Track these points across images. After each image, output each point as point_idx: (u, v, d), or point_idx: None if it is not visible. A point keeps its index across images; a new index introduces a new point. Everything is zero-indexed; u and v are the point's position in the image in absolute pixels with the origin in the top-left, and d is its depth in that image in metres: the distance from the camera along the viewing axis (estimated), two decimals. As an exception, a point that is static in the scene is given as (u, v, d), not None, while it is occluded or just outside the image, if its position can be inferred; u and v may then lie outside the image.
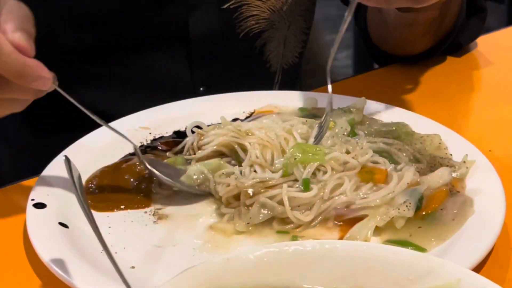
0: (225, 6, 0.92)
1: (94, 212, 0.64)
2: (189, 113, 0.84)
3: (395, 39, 0.98)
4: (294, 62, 1.04)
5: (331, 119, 0.77)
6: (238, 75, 0.91)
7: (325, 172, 0.68)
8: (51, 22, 0.89)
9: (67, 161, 0.63)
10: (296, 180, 0.66)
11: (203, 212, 0.69)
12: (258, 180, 0.67)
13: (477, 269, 0.60)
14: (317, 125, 0.76)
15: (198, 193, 0.70)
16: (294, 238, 0.66)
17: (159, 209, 0.69)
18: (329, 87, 0.78)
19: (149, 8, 0.92)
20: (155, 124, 0.81)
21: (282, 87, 1.00)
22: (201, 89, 0.93)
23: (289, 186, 0.66)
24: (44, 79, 0.61)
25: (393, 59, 1.00)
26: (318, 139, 0.73)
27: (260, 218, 0.65)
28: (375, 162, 0.71)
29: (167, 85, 0.89)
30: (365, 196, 0.66)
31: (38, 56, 0.67)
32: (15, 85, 0.60)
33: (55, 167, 0.72)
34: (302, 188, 0.65)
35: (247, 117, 0.83)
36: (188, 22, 0.92)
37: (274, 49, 1.00)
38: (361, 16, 1.01)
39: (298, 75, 1.11)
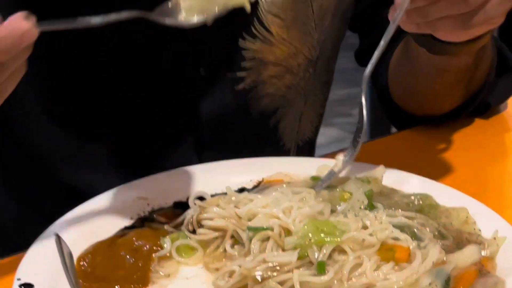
0: (239, 87, 0.91)
1: None
2: (192, 181, 0.82)
3: (423, 91, 0.95)
4: (309, 138, 1.03)
5: (347, 191, 0.75)
6: (249, 155, 0.89)
7: (341, 251, 0.65)
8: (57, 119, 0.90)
9: (58, 238, 0.64)
10: (310, 263, 0.64)
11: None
12: (270, 265, 0.65)
13: None
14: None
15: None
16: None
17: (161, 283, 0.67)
18: (363, 100, 0.75)
19: (160, 96, 0.92)
20: (154, 193, 0.79)
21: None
22: None
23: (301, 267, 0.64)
24: (29, 30, 0.62)
25: (415, 121, 0.97)
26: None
27: None
28: (396, 239, 0.67)
29: (170, 166, 0.87)
30: (386, 277, 0.63)
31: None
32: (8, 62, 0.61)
33: (44, 243, 0.69)
34: (316, 271, 0.63)
35: (254, 187, 0.81)
36: (199, 106, 0.91)
37: (288, 126, 0.98)
38: (381, 74, 0.98)
39: (312, 151, 1.10)
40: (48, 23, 0.65)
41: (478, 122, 0.98)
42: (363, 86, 0.74)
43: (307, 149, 1.04)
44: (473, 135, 0.96)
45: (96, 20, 0.66)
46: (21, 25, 0.61)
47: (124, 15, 0.66)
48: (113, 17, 0.66)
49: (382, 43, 0.73)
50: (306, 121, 1.00)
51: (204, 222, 0.72)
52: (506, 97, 0.99)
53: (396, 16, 0.70)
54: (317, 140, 1.11)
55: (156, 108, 0.92)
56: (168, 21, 0.70)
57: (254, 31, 0.88)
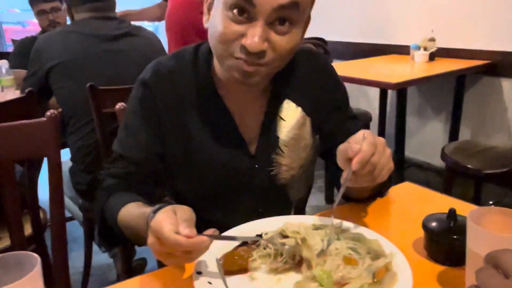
0: (271, 173, 0.98)
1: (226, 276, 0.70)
2: (258, 227, 0.82)
3: (354, 193, 0.96)
4: (301, 199, 1.05)
5: (327, 230, 0.79)
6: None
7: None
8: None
9: (217, 261, 0.72)
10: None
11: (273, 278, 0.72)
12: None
13: None
14: (327, 239, 0.76)
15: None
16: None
17: (252, 274, 0.73)
18: (332, 227, 0.79)
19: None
20: (247, 231, 0.81)
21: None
22: None
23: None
24: (205, 242, 0.64)
25: (353, 199, 0.99)
26: (328, 244, 0.75)
27: None
28: (350, 254, 0.73)
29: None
30: (349, 272, 0.69)
31: None
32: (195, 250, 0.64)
33: (205, 255, 0.71)
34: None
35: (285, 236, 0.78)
36: (254, 179, 0.96)
37: (293, 193, 1.02)
38: (334, 176, 0.96)
39: (303, 205, 1.10)
40: (216, 237, 0.67)
41: (379, 200, 1.01)
42: (339, 198, 0.79)
43: (301, 204, 1.07)
44: (379, 205, 0.99)
45: (240, 237, 0.73)
46: (202, 239, 0.64)
47: (254, 238, 0.75)
48: (247, 238, 0.75)
49: (340, 193, 0.80)
50: (300, 191, 1.04)
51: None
52: (388, 189, 1.02)
53: (344, 183, 0.75)
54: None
55: (233, 182, 0.95)
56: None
57: (277, 152, 0.97)
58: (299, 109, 0.98)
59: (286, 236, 0.76)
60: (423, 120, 3.18)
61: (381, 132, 3.23)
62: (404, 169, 2.72)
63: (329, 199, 2.91)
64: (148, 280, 0.74)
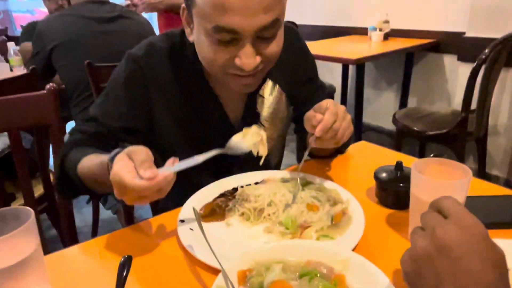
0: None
1: (202, 223, 0.69)
2: (239, 180, 0.82)
3: (318, 152, 0.96)
4: (277, 162, 1.03)
5: (295, 183, 0.79)
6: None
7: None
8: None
9: (194, 210, 0.67)
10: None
11: (246, 223, 0.71)
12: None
13: (355, 248, 0.63)
14: (292, 191, 0.75)
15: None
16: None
17: (228, 221, 0.72)
18: (299, 180, 0.79)
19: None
20: (226, 185, 0.81)
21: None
22: None
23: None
24: (169, 176, 0.57)
25: (317, 156, 0.98)
26: (294, 198, 0.74)
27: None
28: (313, 202, 0.73)
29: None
30: (311, 217, 0.69)
31: None
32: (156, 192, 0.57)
33: (188, 205, 0.74)
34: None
35: (261, 181, 0.82)
36: (233, 170, 0.89)
37: (272, 160, 0.99)
38: (302, 140, 0.95)
39: (279, 166, 1.06)
40: (179, 166, 0.59)
41: (339, 156, 1.00)
42: (305, 156, 0.78)
43: (278, 166, 1.05)
44: (338, 161, 0.98)
45: (201, 158, 0.63)
46: (164, 174, 0.56)
47: (214, 153, 0.66)
48: (209, 154, 0.65)
49: (306, 152, 0.78)
50: (277, 157, 1.02)
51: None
52: (347, 147, 1.02)
53: (310, 142, 0.74)
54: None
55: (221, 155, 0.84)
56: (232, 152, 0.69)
57: (259, 126, 0.82)
58: (277, 86, 0.92)
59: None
60: (378, 91, 3.19)
61: (343, 102, 3.24)
62: (362, 132, 2.73)
63: (300, 159, 2.87)
64: (141, 228, 0.74)
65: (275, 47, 0.72)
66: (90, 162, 0.73)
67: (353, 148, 1.05)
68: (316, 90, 0.98)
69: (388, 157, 1.00)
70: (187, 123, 0.85)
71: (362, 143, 1.11)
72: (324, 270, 0.53)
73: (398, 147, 2.15)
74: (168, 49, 0.83)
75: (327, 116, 0.72)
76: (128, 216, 1.49)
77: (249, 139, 0.71)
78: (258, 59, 0.70)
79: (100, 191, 0.77)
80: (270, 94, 0.92)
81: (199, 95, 0.84)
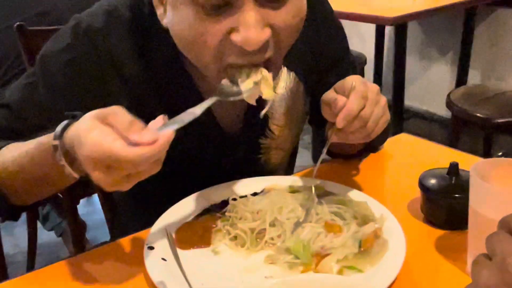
0: (258, 162, 0.93)
1: (179, 250, 0.72)
2: (230, 189, 0.85)
3: (342, 149, 0.98)
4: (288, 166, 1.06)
5: (306, 194, 0.81)
6: None
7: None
8: None
9: (166, 231, 0.72)
10: None
11: (241, 250, 0.72)
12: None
13: (391, 285, 0.64)
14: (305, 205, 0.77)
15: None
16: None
17: (216, 247, 0.73)
18: (313, 189, 0.80)
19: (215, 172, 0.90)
20: (212, 197, 0.83)
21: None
22: None
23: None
24: (170, 134, 0.56)
25: (339, 155, 1.01)
26: (308, 214, 0.75)
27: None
28: (333, 220, 0.74)
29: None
30: (331, 241, 0.70)
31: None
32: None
33: (158, 226, 0.76)
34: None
35: (261, 191, 0.85)
36: (238, 171, 0.91)
37: (280, 171, 1.01)
38: (321, 132, 0.95)
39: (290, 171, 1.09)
40: (176, 121, 0.59)
41: (372, 155, 1.03)
42: (322, 155, 0.82)
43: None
44: (369, 162, 1.01)
45: (198, 110, 0.62)
46: (167, 133, 0.56)
47: (213, 100, 0.66)
48: (206, 104, 0.64)
49: (324, 149, 0.80)
50: (286, 164, 1.04)
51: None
52: (383, 142, 1.03)
53: (329, 136, 0.76)
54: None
55: (213, 173, 0.88)
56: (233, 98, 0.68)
57: (266, 134, 0.92)
58: (292, 74, 0.92)
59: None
60: (426, 63, 3.21)
61: (377, 78, 3.24)
62: (403, 120, 2.74)
63: (317, 159, 2.92)
64: (96, 256, 0.75)
65: (289, 15, 0.68)
66: (15, 152, 0.71)
67: (389, 143, 1.06)
68: (345, 73, 0.96)
69: (440, 156, 1.01)
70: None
71: (403, 137, 1.13)
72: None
73: (454, 141, 2.16)
74: (132, 20, 0.80)
75: (353, 100, 0.72)
76: (77, 239, 1.50)
77: (246, 82, 0.69)
78: (267, 32, 0.66)
79: (35, 195, 0.75)
80: (283, 87, 0.91)
81: (178, 95, 0.83)
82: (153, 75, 0.82)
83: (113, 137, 0.55)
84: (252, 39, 0.65)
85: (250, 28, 0.64)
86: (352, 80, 0.74)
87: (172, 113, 0.73)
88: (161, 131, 0.56)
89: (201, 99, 0.77)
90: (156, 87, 0.82)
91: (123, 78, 0.81)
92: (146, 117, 0.71)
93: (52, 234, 2.13)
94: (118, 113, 0.58)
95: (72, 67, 0.79)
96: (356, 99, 0.72)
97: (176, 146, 0.71)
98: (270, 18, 0.67)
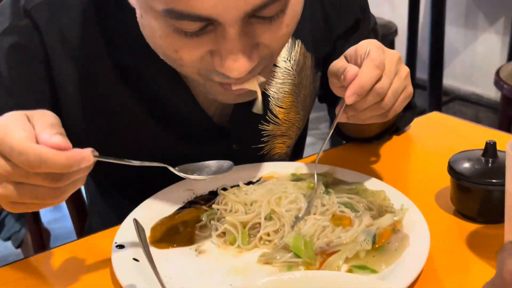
0: (259, 154, 0.96)
1: (156, 250, 0.74)
2: (221, 178, 0.82)
3: (356, 130, 1.02)
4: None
5: (310, 182, 0.82)
6: None
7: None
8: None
9: (135, 222, 0.72)
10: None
11: (230, 248, 0.75)
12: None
13: (411, 286, 0.66)
14: (308, 195, 0.79)
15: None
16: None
17: (200, 246, 0.76)
18: (316, 177, 0.82)
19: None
20: (197, 187, 0.87)
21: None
22: None
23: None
24: (87, 157, 0.59)
25: (354, 139, 1.05)
26: (310, 205, 0.78)
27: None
28: (342, 212, 0.76)
29: None
30: (339, 236, 0.72)
31: None
32: (69, 173, 0.58)
33: (130, 220, 0.78)
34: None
35: (257, 180, 0.88)
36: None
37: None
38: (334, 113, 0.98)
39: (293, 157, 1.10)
40: (103, 157, 0.63)
41: (394, 138, 1.06)
42: (328, 137, 0.83)
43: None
44: (390, 145, 1.04)
45: (136, 162, 0.67)
46: (83, 153, 0.58)
47: (155, 164, 0.70)
48: (146, 163, 0.69)
49: (331, 130, 0.81)
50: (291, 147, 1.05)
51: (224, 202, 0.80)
52: (409, 123, 1.07)
53: (338, 113, 0.76)
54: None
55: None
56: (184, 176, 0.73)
57: (268, 118, 0.94)
58: (298, 43, 0.93)
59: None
60: (471, 33, 3.18)
61: (411, 52, 3.21)
62: (442, 103, 2.74)
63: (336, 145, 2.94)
64: (56, 256, 0.77)
65: (283, 26, 0.69)
66: None
67: (418, 124, 1.07)
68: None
69: (478, 139, 1.02)
70: (137, 127, 0.88)
71: (435, 116, 1.16)
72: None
73: (503, 126, 2.15)
74: None
75: (366, 70, 0.72)
76: (40, 248, 1.52)
77: None
78: (254, 58, 0.68)
79: None
80: (287, 58, 0.92)
81: (152, 80, 0.86)
82: (118, 56, 0.84)
83: (22, 128, 0.58)
84: (236, 69, 0.67)
85: (234, 58, 0.66)
86: (367, 45, 0.75)
87: (144, 107, 0.83)
88: (84, 150, 0.59)
89: (185, 89, 0.84)
90: (123, 73, 0.85)
91: (78, 67, 0.83)
92: (114, 115, 0.76)
93: (9, 245, 2.15)
94: (43, 114, 0.62)
95: (12, 57, 0.81)
96: (370, 69, 0.72)
97: (156, 143, 0.77)
98: (259, 36, 0.68)
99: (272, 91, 0.93)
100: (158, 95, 0.86)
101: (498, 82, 2.22)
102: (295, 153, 1.09)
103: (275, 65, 0.91)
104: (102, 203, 1.07)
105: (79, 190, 1.17)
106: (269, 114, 0.94)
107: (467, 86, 3.28)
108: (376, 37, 0.99)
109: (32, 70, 0.82)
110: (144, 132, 0.89)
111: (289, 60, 0.92)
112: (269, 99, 0.93)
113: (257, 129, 0.95)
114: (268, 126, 0.95)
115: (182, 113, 0.89)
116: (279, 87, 0.93)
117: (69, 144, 0.58)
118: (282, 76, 0.92)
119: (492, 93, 2.99)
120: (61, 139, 0.58)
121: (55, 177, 0.58)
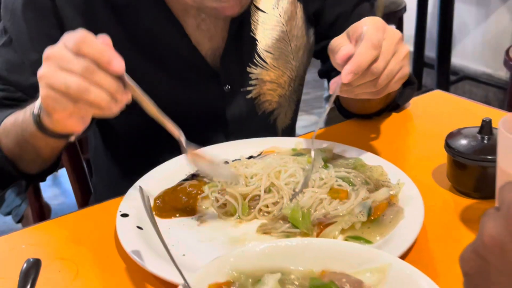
0: (248, 97, 1.01)
1: (159, 219, 0.77)
2: (223, 152, 0.91)
3: (357, 106, 1.05)
4: (290, 125, 1.12)
5: (309, 157, 0.84)
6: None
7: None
8: None
9: (140, 189, 0.75)
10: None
11: (231, 219, 0.78)
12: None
13: (404, 257, 0.68)
14: (306, 169, 0.81)
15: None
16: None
17: (201, 216, 0.79)
18: (313, 152, 0.84)
19: (201, 105, 0.99)
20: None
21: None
22: None
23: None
24: (121, 61, 0.66)
25: (355, 115, 1.08)
26: (307, 178, 0.79)
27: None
28: (340, 185, 0.79)
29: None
30: (336, 208, 0.75)
31: None
32: (100, 72, 0.65)
33: (135, 190, 0.81)
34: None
35: (258, 155, 0.91)
36: (226, 112, 1.01)
37: (280, 120, 1.08)
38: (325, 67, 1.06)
39: (293, 132, 1.17)
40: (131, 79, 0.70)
41: (393, 114, 1.08)
42: (325, 113, 0.88)
43: (288, 131, 1.13)
44: (390, 122, 1.06)
45: (155, 109, 0.73)
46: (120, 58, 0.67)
47: (169, 125, 0.75)
48: (166, 120, 0.75)
49: (328, 106, 0.86)
50: (288, 116, 1.11)
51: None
52: (408, 100, 1.09)
53: (333, 89, 0.79)
54: (298, 123, 1.21)
55: (199, 114, 0.99)
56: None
57: (255, 61, 0.99)
58: None
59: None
60: (483, 10, 3.16)
61: (420, 29, 3.20)
62: (450, 83, 2.73)
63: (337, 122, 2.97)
64: (59, 225, 0.81)
65: None
66: (12, 119, 0.83)
67: (418, 101, 1.11)
68: (359, 3, 1.03)
69: (478, 116, 1.04)
70: (130, 68, 0.93)
71: (436, 94, 1.19)
72: (348, 284, 0.56)
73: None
74: None
75: (362, 50, 0.74)
76: (41, 219, 1.55)
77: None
78: None
79: (32, 162, 0.87)
80: (275, 5, 0.96)
81: (145, 18, 0.91)
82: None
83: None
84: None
85: None
86: (364, 24, 0.77)
87: (141, 47, 0.89)
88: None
89: (179, 28, 0.89)
90: (120, 13, 0.91)
91: (83, 13, 0.89)
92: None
93: (8, 220, 2.17)
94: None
95: (27, 11, 0.88)
96: (367, 49, 0.74)
97: (150, 83, 0.81)
98: None
99: (260, 36, 0.97)
100: (150, 33, 0.92)
101: (508, 61, 2.23)
102: (291, 117, 1.12)
103: (262, 11, 0.96)
104: (105, 158, 1.11)
105: (81, 164, 1.23)
106: (257, 57, 0.98)
107: (477, 65, 3.27)
108: (372, 11, 1.04)
109: (45, 22, 0.88)
110: (138, 71, 0.87)
111: (277, 8, 0.97)
112: (256, 42, 0.98)
113: (245, 72, 0.99)
114: (255, 69, 0.99)
115: (175, 50, 0.93)
116: (267, 32, 0.97)
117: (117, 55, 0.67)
118: (270, 21, 0.97)
119: (503, 73, 2.99)
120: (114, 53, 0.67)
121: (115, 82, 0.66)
